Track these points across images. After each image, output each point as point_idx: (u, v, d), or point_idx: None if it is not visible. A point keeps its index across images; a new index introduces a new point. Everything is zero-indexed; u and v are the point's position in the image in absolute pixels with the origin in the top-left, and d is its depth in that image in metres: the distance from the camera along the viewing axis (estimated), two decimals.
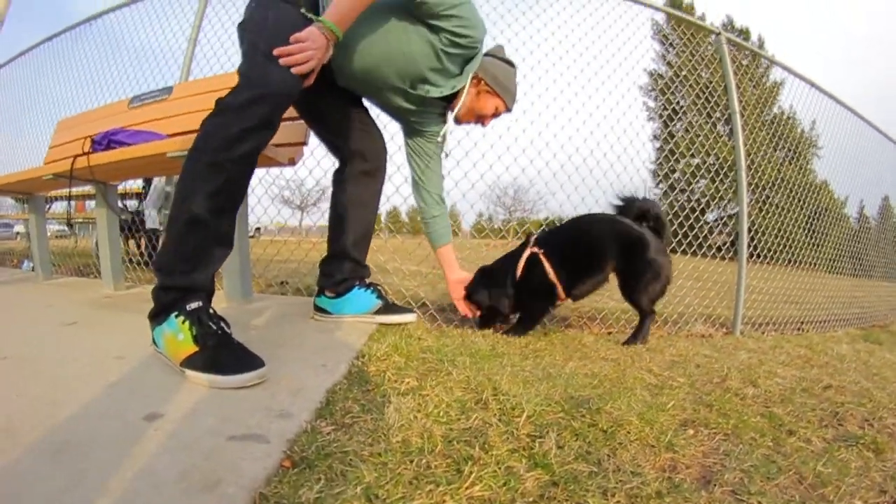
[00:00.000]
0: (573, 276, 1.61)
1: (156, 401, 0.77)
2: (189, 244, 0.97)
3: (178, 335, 0.92)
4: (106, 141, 1.58)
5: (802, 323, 2.70)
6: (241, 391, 0.83)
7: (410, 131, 1.55)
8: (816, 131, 3.23)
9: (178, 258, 0.97)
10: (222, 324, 0.96)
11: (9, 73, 3.38)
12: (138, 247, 3.45)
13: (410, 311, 1.52)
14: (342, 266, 1.45)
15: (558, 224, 1.87)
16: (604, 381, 1.11)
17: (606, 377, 1.15)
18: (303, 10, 1.06)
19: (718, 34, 2.26)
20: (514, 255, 1.69)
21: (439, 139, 1.52)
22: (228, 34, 2.21)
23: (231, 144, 0.96)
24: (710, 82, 2.65)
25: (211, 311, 0.97)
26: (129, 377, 0.90)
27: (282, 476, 0.57)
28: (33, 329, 1.29)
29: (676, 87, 2.83)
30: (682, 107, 2.89)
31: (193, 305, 0.94)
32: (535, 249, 1.63)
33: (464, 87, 1.38)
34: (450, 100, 1.42)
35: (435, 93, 1.34)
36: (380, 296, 1.49)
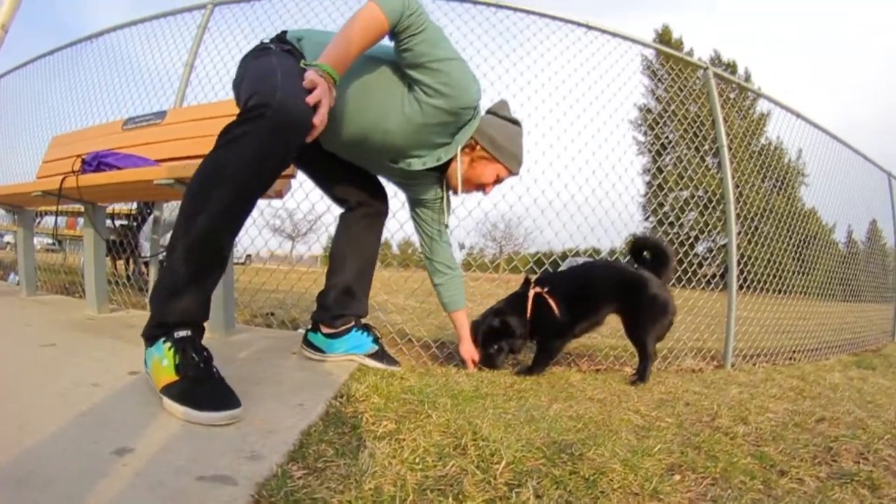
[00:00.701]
0: (574, 315, 1.67)
1: (127, 434, 0.76)
2: (193, 262, 0.96)
3: (163, 361, 0.92)
4: (96, 162, 1.60)
5: (794, 352, 2.72)
6: (213, 429, 0.83)
7: (410, 199, 1.57)
8: (803, 160, 3.34)
9: (176, 282, 0.96)
10: (206, 356, 0.96)
11: (9, 83, 3.45)
12: (126, 269, 3.45)
13: (398, 363, 1.53)
14: (341, 300, 1.44)
15: (545, 259, 1.93)
16: (588, 424, 1.10)
17: (591, 419, 1.15)
18: (302, 63, 1.05)
19: (706, 69, 2.34)
20: (518, 296, 1.74)
21: (438, 209, 1.52)
22: (224, 62, 2.27)
23: (252, 168, 0.93)
24: (699, 116, 2.73)
25: (198, 342, 0.97)
26: (103, 407, 0.89)
27: None
28: (10, 349, 1.28)
29: (665, 121, 2.91)
30: (670, 140, 2.98)
31: (182, 334, 0.94)
32: (539, 289, 1.69)
33: (455, 157, 1.33)
34: (443, 169, 1.38)
35: (417, 165, 1.31)
36: (375, 340, 1.49)
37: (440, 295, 1.64)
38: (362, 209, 1.48)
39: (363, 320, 1.52)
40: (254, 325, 2.17)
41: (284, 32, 1.23)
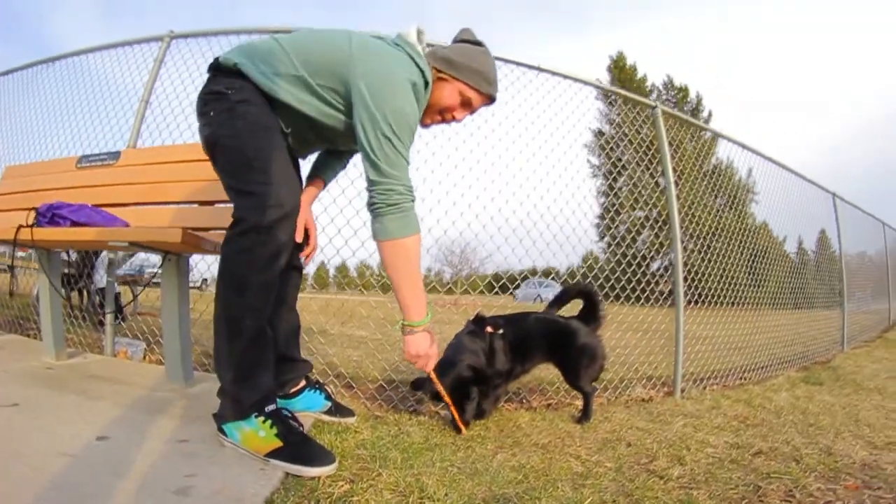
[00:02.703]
0: (514, 361, 1.85)
1: None
2: (251, 358, 1.23)
3: (259, 432, 1.18)
4: (49, 214, 1.69)
5: (745, 371, 3.01)
6: (185, 500, 0.98)
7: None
8: (753, 178, 3.73)
9: (246, 371, 1.23)
10: (300, 425, 1.27)
11: None
12: (80, 298, 3.50)
13: (352, 413, 1.66)
14: (287, 369, 1.56)
15: (503, 276, 2.10)
16: (529, 475, 1.25)
17: (533, 469, 1.30)
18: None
19: (655, 107, 2.59)
20: (476, 336, 1.81)
21: None
22: (180, 100, 2.38)
23: (268, 262, 1.19)
24: (653, 140, 3.00)
25: (286, 412, 1.26)
26: (77, 480, 1.00)
27: None
28: None
29: (617, 143, 3.17)
30: (621, 162, 3.26)
31: (271, 408, 1.23)
32: (492, 329, 1.83)
33: None
34: None
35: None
36: (328, 397, 1.63)
37: (316, 162, 1.66)
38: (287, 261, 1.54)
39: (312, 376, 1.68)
40: (210, 366, 2.26)
41: (216, 60, 1.30)
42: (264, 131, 1.23)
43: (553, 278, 2.86)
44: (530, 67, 2.38)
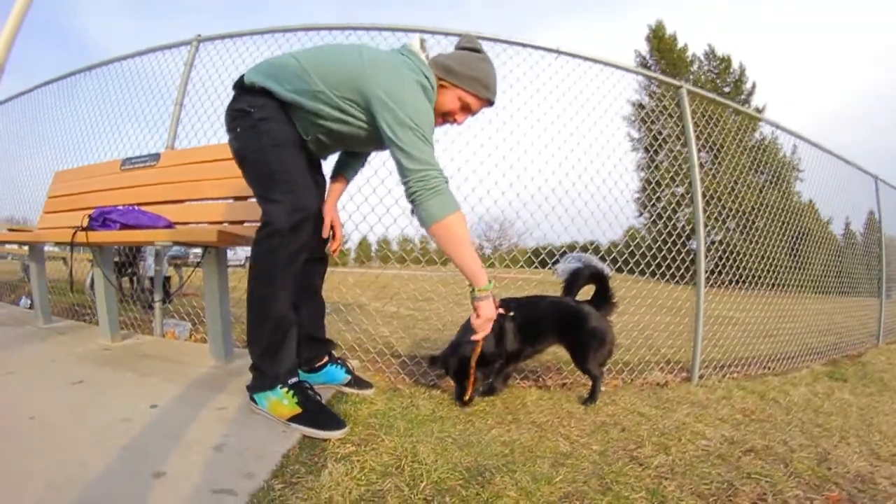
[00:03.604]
0: (523, 342, 2.03)
1: (159, 461, 1.19)
2: (277, 339, 1.52)
3: (283, 401, 1.48)
4: (101, 219, 2.04)
5: (770, 360, 3.06)
6: (220, 453, 1.27)
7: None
8: (798, 155, 3.69)
9: (274, 350, 1.52)
10: (318, 395, 1.57)
11: (11, 108, 3.97)
12: (131, 283, 4.03)
13: (370, 385, 1.95)
14: (309, 347, 1.84)
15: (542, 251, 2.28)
16: (515, 450, 1.44)
17: (521, 445, 1.49)
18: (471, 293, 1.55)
19: (679, 87, 2.65)
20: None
21: None
22: (211, 101, 2.69)
23: (291, 259, 1.48)
24: (696, 112, 3.05)
25: (306, 384, 1.56)
26: (137, 440, 1.32)
27: None
28: (45, 388, 1.71)
29: (658, 117, 3.23)
30: (661, 136, 3.30)
31: (293, 380, 1.53)
32: (504, 311, 1.97)
33: None
34: None
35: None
36: (348, 371, 1.92)
37: (339, 160, 1.89)
38: (312, 254, 1.73)
39: (335, 352, 1.97)
40: None
41: (241, 79, 1.54)
42: (285, 146, 1.50)
43: (593, 253, 2.97)
44: (549, 51, 2.52)
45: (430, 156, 1.41)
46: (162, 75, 2.89)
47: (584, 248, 2.67)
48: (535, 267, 2.79)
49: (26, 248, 2.89)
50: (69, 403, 1.58)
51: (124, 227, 2.06)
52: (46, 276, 2.87)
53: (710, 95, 2.90)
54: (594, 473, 1.32)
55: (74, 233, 2.07)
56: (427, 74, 1.49)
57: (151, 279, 3.45)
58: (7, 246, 4.09)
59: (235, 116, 1.54)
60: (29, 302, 3.12)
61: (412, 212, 1.49)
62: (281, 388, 1.50)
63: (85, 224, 2.08)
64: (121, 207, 2.14)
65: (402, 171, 1.42)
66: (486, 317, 1.57)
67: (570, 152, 2.60)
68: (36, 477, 1.08)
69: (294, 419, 1.46)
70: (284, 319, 1.52)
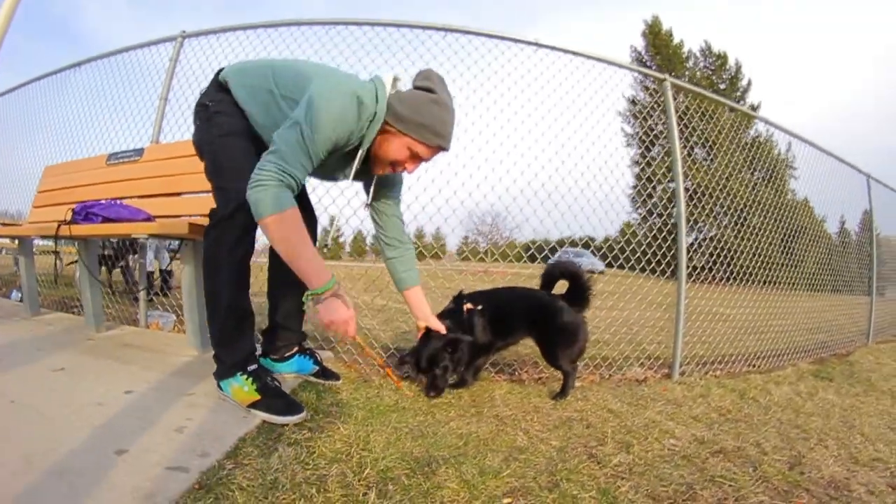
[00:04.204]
0: (494, 335, 2.11)
1: (124, 440, 1.30)
2: (230, 326, 1.61)
3: (244, 387, 1.58)
4: (84, 213, 2.17)
5: (756, 357, 3.11)
6: (181, 434, 1.38)
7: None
8: (792, 153, 3.73)
9: (228, 337, 1.62)
10: (276, 381, 1.67)
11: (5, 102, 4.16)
12: (123, 276, 4.22)
13: (338, 377, 2.04)
14: (281, 335, 1.96)
15: (546, 246, 2.42)
16: (470, 443, 1.49)
17: (477, 438, 1.54)
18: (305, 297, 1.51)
19: (663, 80, 2.70)
20: (454, 313, 2.08)
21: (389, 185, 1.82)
22: (196, 96, 2.78)
23: (234, 246, 1.56)
24: (689, 108, 3.11)
25: (264, 371, 1.66)
26: (108, 421, 1.44)
27: (191, 494, 1.11)
28: (27, 374, 1.84)
29: (650, 112, 3.29)
30: (654, 132, 3.37)
31: (252, 367, 1.62)
32: (471, 306, 2.09)
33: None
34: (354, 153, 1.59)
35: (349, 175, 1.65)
36: (316, 362, 2.02)
37: (394, 271, 1.94)
38: None
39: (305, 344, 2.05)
40: None
41: (216, 74, 1.66)
42: (234, 135, 1.60)
43: (590, 248, 3.05)
44: (528, 44, 2.59)
45: (289, 154, 1.37)
46: (148, 70, 3.03)
47: (575, 244, 2.73)
48: (525, 260, 2.85)
49: (17, 242, 3.04)
50: (48, 388, 1.71)
51: (106, 220, 2.18)
52: (35, 270, 3.02)
53: (696, 89, 2.95)
54: (546, 469, 1.35)
55: (58, 227, 2.20)
56: (379, 99, 1.49)
57: (150, 273, 3.64)
58: (0, 240, 4.28)
59: (197, 112, 1.67)
60: (20, 295, 3.28)
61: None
62: (241, 374, 1.60)
63: (68, 218, 2.21)
64: (103, 202, 2.27)
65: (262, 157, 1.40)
66: (328, 321, 1.46)
67: (560, 147, 2.68)
68: (10, 451, 1.20)
69: (253, 405, 1.57)
70: (235, 308, 1.61)
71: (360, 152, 1.56)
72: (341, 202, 2.46)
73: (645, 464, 1.42)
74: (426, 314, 1.98)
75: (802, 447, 1.68)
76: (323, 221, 2.19)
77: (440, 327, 1.96)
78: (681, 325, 2.62)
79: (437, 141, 1.54)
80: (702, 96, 3.01)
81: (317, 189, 2.32)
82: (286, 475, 1.22)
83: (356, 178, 1.70)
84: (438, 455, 1.40)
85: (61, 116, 3.64)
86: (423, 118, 1.50)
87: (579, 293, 2.18)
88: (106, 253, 4.07)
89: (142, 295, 2.85)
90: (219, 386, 1.67)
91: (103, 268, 4.17)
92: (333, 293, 1.45)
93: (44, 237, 2.34)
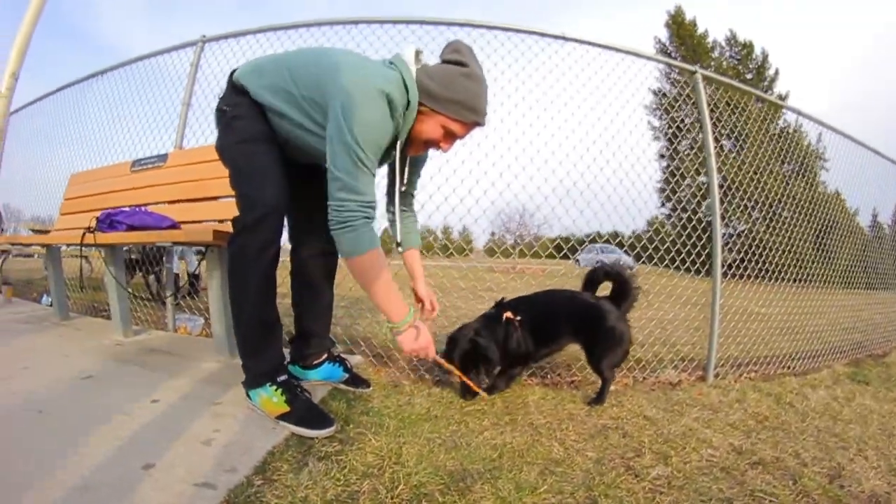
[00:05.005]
0: (536, 343, 2.00)
1: (150, 453, 1.25)
2: (257, 336, 1.55)
3: (273, 398, 1.52)
4: (108, 221, 2.13)
5: (790, 359, 2.94)
6: (207, 447, 1.32)
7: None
8: (823, 144, 3.56)
9: (255, 347, 1.56)
10: (306, 393, 1.60)
11: (28, 114, 4.19)
12: (146, 281, 4.21)
13: (368, 384, 1.96)
14: (309, 343, 1.88)
15: (564, 245, 2.37)
16: (504, 455, 1.41)
17: (512, 449, 1.45)
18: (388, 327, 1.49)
19: (694, 72, 2.57)
20: (490, 319, 2.03)
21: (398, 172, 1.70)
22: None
23: (259, 255, 1.47)
24: (720, 101, 2.96)
25: (294, 382, 1.59)
26: (133, 432, 1.38)
27: None
28: (56, 382, 1.79)
29: (681, 105, 3.14)
30: (685, 125, 3.22)
31: (282, 378, 1.56)
32: (510, 315, 2.00)
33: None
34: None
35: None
36: (346, 369, 1.95)
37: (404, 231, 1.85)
38: (312, 246, 1.80)
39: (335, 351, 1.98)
40: None
41: (231, 75, 1.57)
42: (253, 141, 1.50)
43: (618, 243, 2.93)
44: (555, 37, 2.47)
45: (356, 183, 1.31)
46: (170, 76, 2.99)
47: (607, 240, 2.63)
48: (551, 255, 2.75)
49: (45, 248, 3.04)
50: (76, 397, 1.66)
51: (130, 228, 2.14)
52: (63, 275, 3.01)
53: (727, 81, 2.80)
54: (583, 484, 1.27)
55: (83, 235, 2.16)
56: (409, 88, 1.39)
57: (177, 276, 3.63)
58: (33, 245, 4.32)
59: (217, 117, 1.59)
60: (50, 300, 3.29)
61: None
62: (270, 385, 1.54)
63: (93, 226, 2.17)
64: (127, 209, 2.23)
65: (329, 194, 1.34)
66: (409, 349, 1.48)
67: (591, 144, 2.55)
68: (34, 464, 1.16)
69: (282, 417, 1.50)
70: (262, 318, 1.54)
71: (399, 142, 1.49)
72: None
73: (684, 477, 1.34)
74: (416, 277, 1.90)
75: (842, 458, 1.58)
76: None
77: (428, 295, 1.90)
78: (716, 325, 2.49)
79: (473, 117, 1.45)
80: (732, 87, 2.85)
81: None
82: (316, 492, 1.14)
83: (383, 163, 1.62)
84: (473, 469, 1.32)
85: (87, 125, 3.65)
86: (456, 94, 1.40)
87: (624, 295, 2.08)
88: (133, 258, 4.07)
89: (169, 299, 2.81)
90: (247, 395, 1.60)
91: (139, 272, 4.18)
92: (410, 325, 1.47)
93: (70, 244, 2.31)
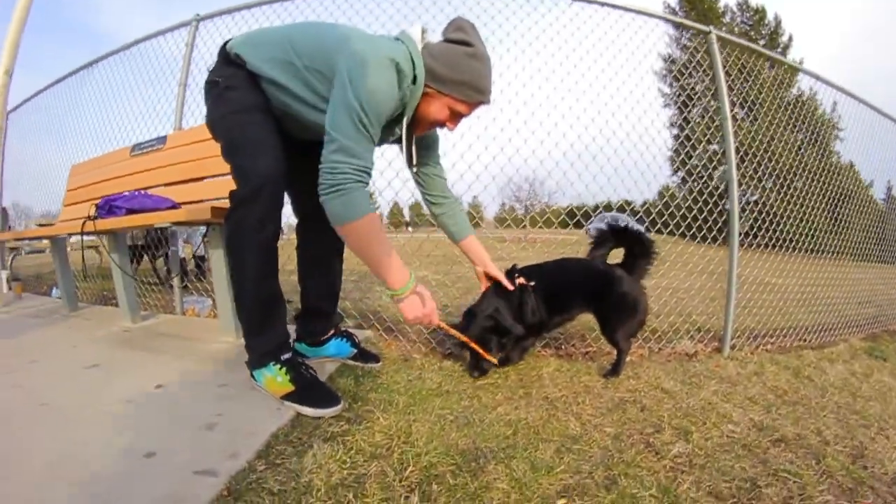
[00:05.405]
0: (549, 312, 1.88)
1: (152, 441, 1.18)
2: (259, 313, 1.45)
3: (277, 378, 1.43)
4: (107, 206, 2.05)
5: (806, 331, 2.81)
6: (210, 432, 1.24)
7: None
8: (838, 113, 3.36)
9: (257, 325, 1.46)
10: (311, 371, 1.49)
11: (26, 110, 4.09)
12: (153, 266, 4.16)
13: (378, 359, 1.88)
14: (317, 320, 1.79)
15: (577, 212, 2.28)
16: (519, 431, 1.33)
17: (527, 425, 1.37)
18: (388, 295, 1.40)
19: (708, 33, 2.40)
20: (503, 287, 1.85)
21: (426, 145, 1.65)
22: None
23: (258, 228, 1.36)
24: (733, 66, 2.79)
25: (299, 360, 1.50)
26: (135, 421, 1.32)
27: (220, 502, 0.95)
28: (62, 374, 1.72)
29: (692, 72, 2.98)
30: (696, 92, 3.05)
31: (286, 356, 1.46)
32: (524, 282, 1.87)
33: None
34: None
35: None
36: (354, 344, 1.86)
37: (445, 226, 1.82)
38: (322, 221, 1.68)
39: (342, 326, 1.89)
40: None
41: (223, 46, 1.48)
42: (248, 111, 1.39)
43: (628, 212, 2.81)
44: None
45: (354, 146, 1.22)
46: (166, 58, 2.88)
47: (619, 208, 2.50)
48: (562, 223, 2.64)
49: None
50: (81, 388, 1.60)
51: (130, 212, 2.05)
52: (70, 267, 2.94)
53: (742, 42, 2.62)
54: (602, 463, 1.18)
55: (83, 223, 2.08)
56: (416, 63, 1.31)
57: (183, 259, 3.56)
58: (43, 241, 4.27)
59: (207, 89, 1.49)
60: (59, 292, 3.24)
61: None
62: (274, 364, 1.44)
63: (92, 214, 2.09)
64: (126, 193, 2.14)
65: (322, 155, 1.25)
66: (412, 317, 1.39)
67: (604, 106, 2.43)
68: (35, 459, 1.10)
69: (286, 397, 1.41)
70: (264, 295, 1.44)
71: (405, 119, 1.40)
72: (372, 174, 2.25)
73: (705, 455, 1.25)
74: (484, 261, 1.87)
75: (863, 437, 1.49)
76: None
77: (499, 275, 1.85)
78: (733, 295, 2.36)
79: (478, 97, 1.39)
80: (747, 49, 2.67)
81: None
82: (321, 476, 1.05)
83: (399, 141, 1.53)
84: (486, 447, 1.23)
85: (88, 115, 3.54)
86: (462, 75, 1.33)
87: (640, 259, 1.93)
88: (140, 244, 4.01)
89: (176, 282, 2.75)
90: (252, 376, 1.51)
91: (146, 257, 4.12)
92: (412, 291, 1.38)
93: (71, 235, 2.23)
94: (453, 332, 1.73)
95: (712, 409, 1.59)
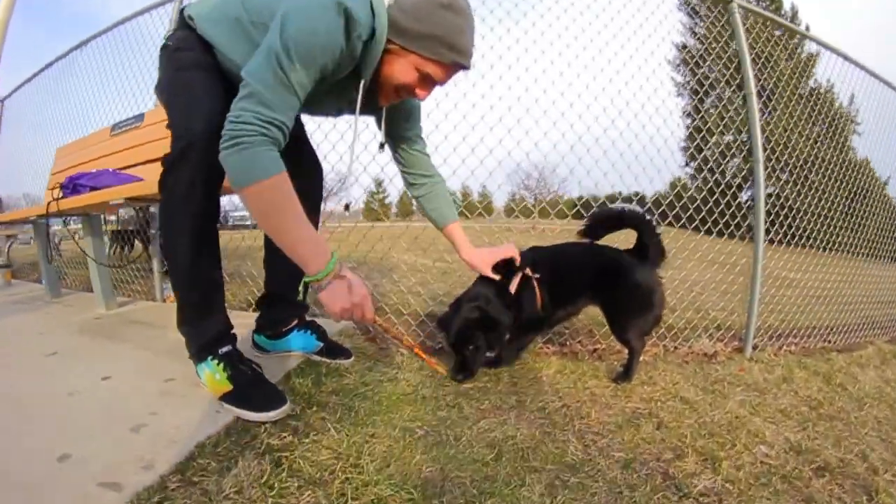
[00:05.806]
0: (553, 305, 1.59)
1: (75, 442, 1.01)
2: (194, 298, 1.24)
3: (216, 375, 1.21)
4: (71, 185, 1.88)
5: (830, 332, 2.52)
6: (135, 435, 1.04)
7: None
8: (855, 105, 3.10)
9: (193, 313, 1.25)
10: (254, 367, 1.27)
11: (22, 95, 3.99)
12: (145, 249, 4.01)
13: (348, 354, 1.63)
14: (277, 307, 1.57)
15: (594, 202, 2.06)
16: (503, 455, 1.05)
17: (515, 446, 1.09)
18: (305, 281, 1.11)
19: (730, 2, 2.12)
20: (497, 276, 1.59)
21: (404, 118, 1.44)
22: None
23: (188, 194, 1.14)
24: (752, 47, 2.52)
25: (239, 353, 1.27)
26: (67, 417, 1.14)
27: None
28: (23, 362, 1.58)
29: (704, 59, 2.74)
30: (709, 80, 2.79)
31: (225, 349, 1.24)
32: (528, 272, 1.58)
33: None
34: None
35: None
36: (319, 337, 1.61)
37: (425, 210, 1.57)
38: None
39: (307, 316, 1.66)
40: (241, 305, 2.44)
41: (181, 12, 1.30)
42: (192, 68, 1.20)
43: (638, 203, 2.59)
44: None
45: (268, 94, 0.98)
46: (151, 38, 2.72)
47: (629, 199, 2.32)
48: (564, 216, 2.41)
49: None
50: (30, 378, 1.45)
51: (94, 190, 1.88)
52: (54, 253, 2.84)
53: (766, 14, 2.34)
54: None
55: (48, 204, 1.93)
56: (376, 11, 1.06)
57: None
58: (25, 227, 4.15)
59: (160, 56, 1.30)
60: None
61: None
62: (212, 359, 1.22)
63: (58, 194, 1.92)
64: (92, 171, 1.97)
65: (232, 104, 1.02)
66: (338, 309, 1.07)
67: (616, 94, 2.18)
68: None
69: (224, 397, 1.19)
70: (198, 275, 1.21)
71: (363, 80, 1.15)
72: (383, 159, 2.08)
73: (738, 492, 0.98)
74: (460, 244, 1.57)
75: None
76: (364, 181, 1.76)
77: (486, 268, 1.56)
78: (756, 292, 2.07)
79: (452, 56, 1.10)
80: (773, 21, 2.43)
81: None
82: None
83: (365, 112, 1.27)
84: (456, 478, 0.95)
85: (75, 100, 3.39)
86: (430, 27, 1.07)
87: (649, 247, 1.60)
88: (130, 228, 3.86)
89: (156, 266, 2.58)
90: (196, 371, 1.29)
91: (139, 243, 3.95)
92: (335, 275, 1.06)
93: (39, 216, 2.08)
94: (392, 331, 1.41)
95: (742, 425, 1.31)
